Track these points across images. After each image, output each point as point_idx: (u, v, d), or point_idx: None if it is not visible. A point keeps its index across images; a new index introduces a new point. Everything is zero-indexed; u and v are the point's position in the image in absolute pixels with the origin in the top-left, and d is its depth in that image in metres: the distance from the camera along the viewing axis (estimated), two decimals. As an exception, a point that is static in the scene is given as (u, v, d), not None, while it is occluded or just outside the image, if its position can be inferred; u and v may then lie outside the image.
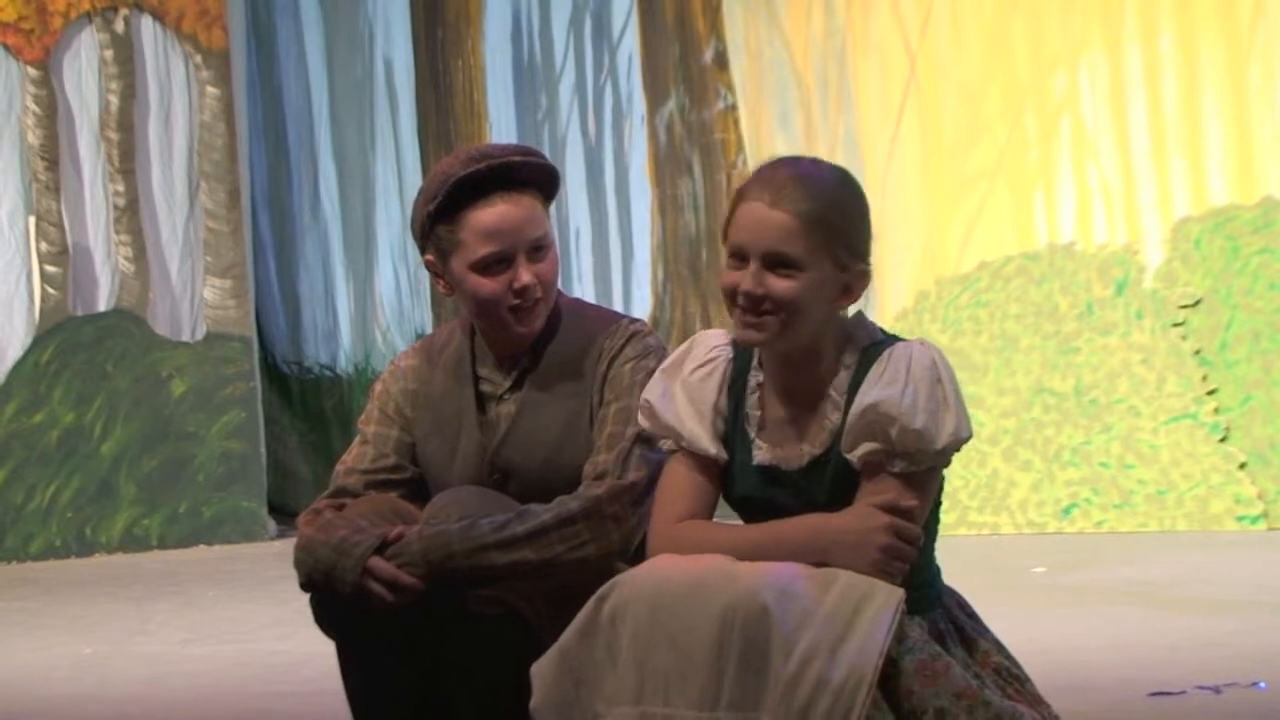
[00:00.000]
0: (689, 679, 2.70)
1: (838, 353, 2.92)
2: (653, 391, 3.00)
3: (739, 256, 2.89)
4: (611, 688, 2.75)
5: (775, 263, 2.86)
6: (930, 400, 2.82)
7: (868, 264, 2.92)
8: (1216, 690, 4.01)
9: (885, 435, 2.82)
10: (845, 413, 2.88)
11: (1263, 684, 4.06)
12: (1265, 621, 4.99)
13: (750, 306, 2.87)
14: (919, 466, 2.84)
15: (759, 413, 2.95)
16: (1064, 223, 7.46)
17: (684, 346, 3.03)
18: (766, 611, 2.68)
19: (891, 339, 2.94)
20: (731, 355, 2.99)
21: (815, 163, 2.98)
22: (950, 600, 2.97)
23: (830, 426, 2.90)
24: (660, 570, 2.78)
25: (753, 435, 2.94)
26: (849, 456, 2.86)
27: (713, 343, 3.01)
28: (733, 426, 2.96)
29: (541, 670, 2.82)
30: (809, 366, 2.92)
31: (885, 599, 2.73)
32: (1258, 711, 3.82)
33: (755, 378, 2.97)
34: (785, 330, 2.87)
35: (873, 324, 2.97)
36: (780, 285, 2.86)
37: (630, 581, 2.78)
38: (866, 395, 2.85)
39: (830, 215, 2.87)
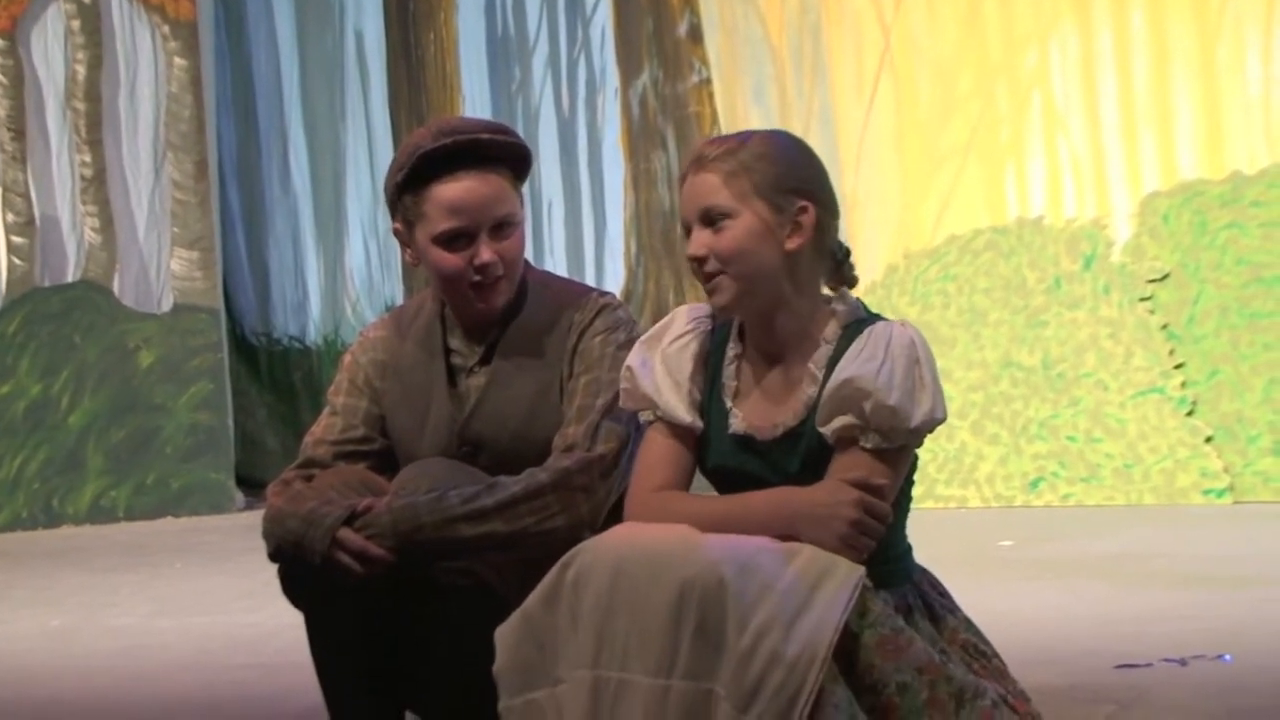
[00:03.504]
0: (646, 646, 2.71)
1: (819, 327, 2.94)
2: (633, 361, 3.02)
3: (687, 234, 2.95)
4: (572, 652, 2.77)
5: (708, 220, 2.92)
6: (907, 379, 2.84)
7: (814, 203, 2.92)
8: (1182, 662, 4.03)
9: (859, 410, 2.83)
10: (822, 387, 2.89)
11: (1228, 656, 4.08)
12: (1231, 594, 5.02)
13: (700, 270, 2.92)
14: (892, 444, 2.84)
15: (735, 383, 2.98)
16: (1034, 197, 7.48)
17: (666, 319, 3.06)
18: (724, 585, 2.68)
19: (874, 317, 2.96)
20: (710, 327, 3.02)
21: (745, 131, 3.04)
22: (921, 578, 2.98)
23: (806, 399, 2.91)
24: (623, 538, 2.79)
25: (729, 405, 2.97)
26: (823, 430, 2.87)
27: (692, 315, 3.04)
28: (709, 397, 2.98)
29: (505, 634, 2.83)
30: (782, 325, 2.94)
31: (845, 575, 2.73)
32: (1223, 684, 3.84)
33: (734, 349, 2.99)
34: (743, 286, 2.90)
35: (857, 302, 2.98)
36: (718, 239, 2.90)
37: (593, 548, 2.79)
38: (844, 370, 2.86)
39: (748, 160, 2.91)
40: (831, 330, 2.93)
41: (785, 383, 2.95)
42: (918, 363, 2.86)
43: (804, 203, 2.92)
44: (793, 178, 2.94)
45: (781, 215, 2.91)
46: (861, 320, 2.94)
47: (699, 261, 2.91)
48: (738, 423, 2.95)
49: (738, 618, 2.68)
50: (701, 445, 2.98)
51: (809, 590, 2.71)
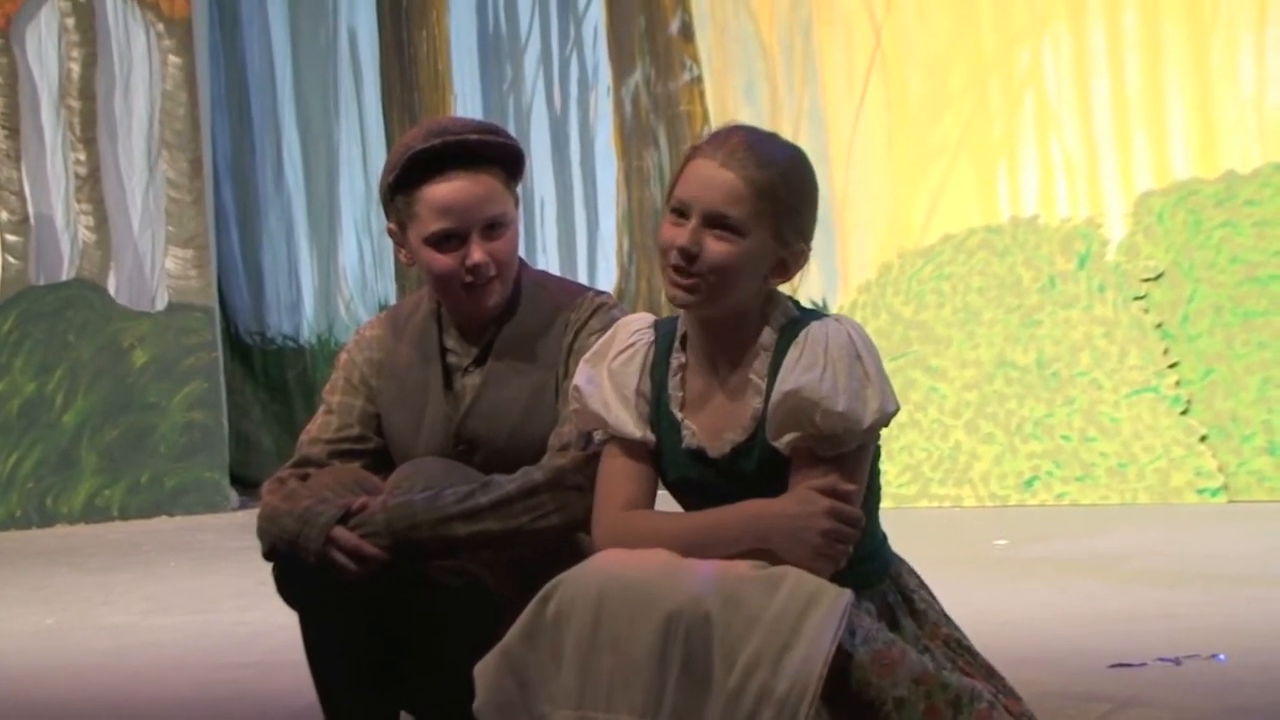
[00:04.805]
0: (631, 685, 2.67)
1: (757, 331, 2.89)
2: (580, 379, 2.97)
3: (680, 213, 2.86)
4: (555, 690, 2.72)
5: (716, 224, 2.83)
6: (850, 379, 2.79)
7: (808, 246, 2.89)
8: (1177, 662, 4.03)
9: (810, 422, 2.78)
10: (766, 397, 2.84)
11: (1222, 656, 4.08)
12: (1225, 594, 5.02)
13: (683, 264, 2.83)
14: (848, 448, 2.80)
15: (681, 394, 2.92)
16: (1027, 196, 7.48)
17: (609, 334, 3.00)
18: (709, 620, 2.65)
19: (807, 315, 2.90)
20: (653, 338, 2.96)
21: (773, 136, 2.94)
22: (898, 567, 2.96)
23: (752, 411, 2.86)
24: (604, 570, 2.74)
25: (679, 417, 2.91)
26: (775, 444, 2.82)
27: (635, 327, 2.98)
28: (657, 409, 2.93)
29: (485, 670, 2.78)
30: (732, 338, 2.89)
31: (832, 602, 2.68)
32: (1217, 683, 3.85)
33: (678, 358, 2.93)
34: (714, 296, 2.84)
35: (787, 300, 2.93)
36: (717, 248, 2.83)
37: (574, 580, 2.74)
38: (785, 382, 2.81)
39: (779, 187, 2.84)
40: (768, 335, 2.88)
41: (729, 393, 2.89)
42: (858, 359, 2.81)
43: (804, 245, 2.88)
44: (807, 219, 2.89)
45: (781, 250, 2.86)
46: (795, 321, 2.88)
47: (688, 256, 2.84)
48: (690, 437, 2.90)
49: (725, 653, 2.65)
50: (658, 458, 2.93)
51: (796, 619, 2.66)
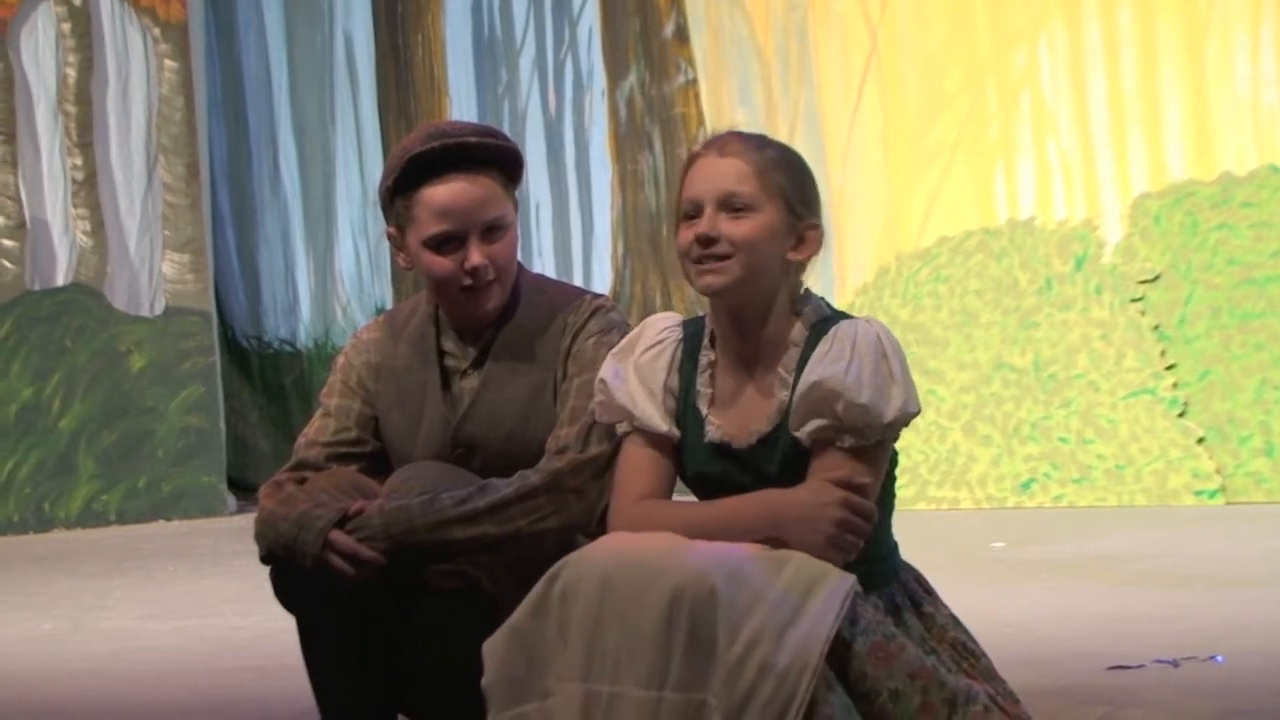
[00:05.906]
0: (636, 658, 2.70)
1: (787, 328, 2.95)
2: (606, 373, 3.03)
3: (693, 214, 2.95)
4: (562, 664, 2.76)
5: (729, 205, 2.92)
6: (875, 375, 2.85)
7: (819, 221, 2.97)
8: (1175, 663, 4.04)
9: (832, 411, 2.84)
10: (793, 390, 2.90)
11: (1220, 657, 4.08)
12: (1223, 595, 5.03)
13: (707, 251, 2.91)
14: (868, 441, 2.85)
15: (710, 390, 2.98)
16: (1024, 198, 7.49)
17: (635, 331, 3.07)
18: (715, 594, 2.68)
19: (838, 316, 2.97)
20: (681, 336, 3.02)
21: (763, 134, 3.05)
22: (907, 575, 2.98)
23: (778, 404, 2.92)
24: (611, 549, 2.78)
25: (705, 412, 2.97)
26: (798, 434, 2.87)
27: (663, 325, 3.05)
28: (684, 404, 2.98)
29: (494, 647, 2.82)
30: (761, 332, 2.95)
31: (836, 584, 2.72)
32: (1215, 684, 3.85)
33: (706, 356, 2.99)
34: (744, 275, 2.91)
35: (820, 301, 3.00)
36: (735, 227, 2.91)
37: (580, 560, 2.78)
38: (812, 373, 2.87)
39: (778, 164, 2.95)
40: (798, 332, 2.95)
41: (757, 388, 2.95)
42: (885, 357, 2.87)
43: (814, 220, 2.97)
44: (810, 194, 2.98)
45: (794, 224, 2.94)
46: (826, 319, 2.95)
47: (708, 242, 2.91)
48: (714, 430, 2.95)
49: (729, 627, 2.67)
50: (680, 453, 2.98)
51: (800, 599, 2.69)
